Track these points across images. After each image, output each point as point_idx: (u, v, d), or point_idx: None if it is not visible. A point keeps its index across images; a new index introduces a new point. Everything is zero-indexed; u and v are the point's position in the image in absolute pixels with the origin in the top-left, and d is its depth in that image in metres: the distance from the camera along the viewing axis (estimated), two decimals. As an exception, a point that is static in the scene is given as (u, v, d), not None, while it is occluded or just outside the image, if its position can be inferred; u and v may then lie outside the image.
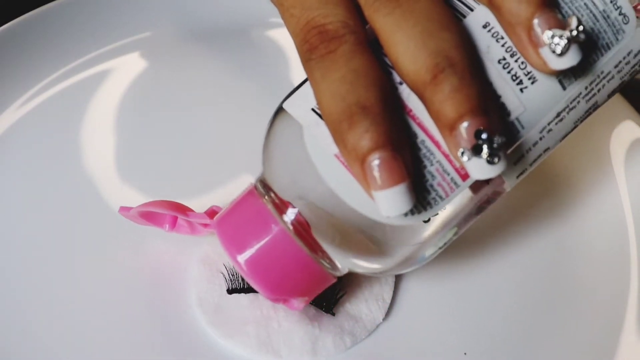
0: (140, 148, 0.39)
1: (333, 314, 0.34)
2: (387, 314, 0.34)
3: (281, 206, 0.29)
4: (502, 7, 0.26)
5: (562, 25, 0.25)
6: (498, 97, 0.27)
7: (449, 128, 0.25)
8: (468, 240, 0.37)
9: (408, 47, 0.25)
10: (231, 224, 0.30)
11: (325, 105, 0.26)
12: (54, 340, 0.33)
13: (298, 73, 0.43)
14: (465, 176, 0.27)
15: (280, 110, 0.29)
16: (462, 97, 0.25)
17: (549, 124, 0.28)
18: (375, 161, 0.25)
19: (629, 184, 0.39)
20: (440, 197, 0.27)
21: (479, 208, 0.29)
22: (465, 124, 0.25)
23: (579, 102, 0.28)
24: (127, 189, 0.37)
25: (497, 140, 0.25)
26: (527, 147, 0.28)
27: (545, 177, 0.40)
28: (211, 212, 0.32)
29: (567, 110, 0.28)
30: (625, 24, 0.28)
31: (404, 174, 0.25)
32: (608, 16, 0.27)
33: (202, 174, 0.38)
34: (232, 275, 0.34)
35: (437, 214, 0.27)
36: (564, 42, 0.25)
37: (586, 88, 0.28)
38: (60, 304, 0.34)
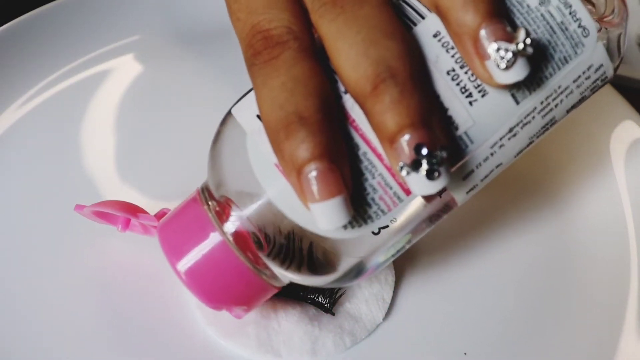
0: (140, 148, 0.39)
1: (333, 314, 0.34)
2: (387, 314, 0.34)
3: (222, 215, 0.28)
4: (450, 16, 0.25)
5: (510, 37, 0.24)
6: (445, 109, 0.26)
7: (389, 141, 0.24)
8: (468, 240, 0.37)
9: (349, 55, 0.25)
10: (172, 230, 0.30)
11: (264, 112, 0.25)
12: (53, 340, 0.33)
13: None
14: (409, 191, 0.26)
15: (228, 114, 0.29)
16: (402, 109, 0.24)
17: (500, 139, 0.27)
18: (311, 172, 0.24)
19: (629, 184, 0.39)
20: (382, 211, 0.26)
21: (431, 219, 0.28)
22: (405, 137, 0.24)
23: (534, 117, 0.27)
24: (126, 188, 0.37)
25: (439, 155, 0.24)
26: (477, 162, 0.27)
27: (545, 177, 0.40)
28: (160, 215, 0.32)
29: (520, 125, 0.27)
30: (585, 37, 0.27)
31: (341, 186, 0.24)
32: (566, 28, 0.26)
33: (202, 173, 0.38)
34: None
35: (379, 228, 0.26)
36: (509, 55, 0.24)
37: (542, 103, 0.27)
38: (60, 304, 0.34)
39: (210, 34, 0.44)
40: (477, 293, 0.36)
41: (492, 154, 0.27)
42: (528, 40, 0.24)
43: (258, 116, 0.27)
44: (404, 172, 0.24)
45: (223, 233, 0.28)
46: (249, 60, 0.26)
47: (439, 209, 0.28)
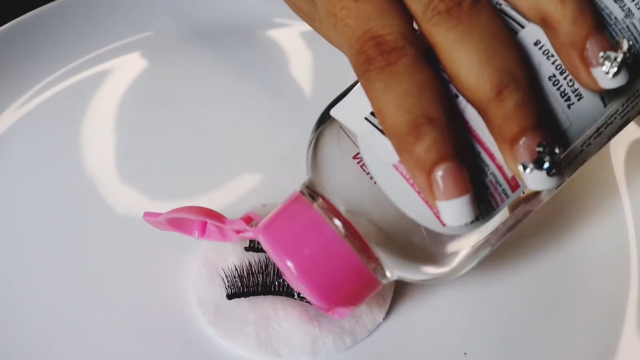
0: (140, 148, 0.39)
1: (333, 314, 0.34)
2: (387, 314, 0.34)
3: (331, 213, 0.30)
4: (558, 28, 0.27)
5: (615, 47, 0.26)
6: (549, 112, 0.28)
7: (510, 142, 0.26)
8: (468, 240, 0.37)
9: (472, 63, 0.26)
10: (279, 229, 0.30)
11: (389, 117, 0.26)
12: (53, 340, 0.33)
13: (299, 73, 0.43)
14: (515, 187, 0.28)
15: (327, 117, 0.30)
16: (525, 113, 0.26)
17: (589, 138, 0.29)
18: (441, 172, 0.25)
19: (629, 184, 0.39)
20: (492, 207, 0.28)
21: (518, 220, 0.31)
22: (526, 138, 0.26)
23: (615, 118, 0.30)
24: (127, 188, 0.37)
25: (557, 152, 0.26)
26: (569, 159, 0.29)
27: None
28: (247, 219, 0.32)
29: (605, 125, 0.29)
30: None
31: (468, 185, 0.26)
32: None
33: (203, 173, 0.38)
34: (232, 279, 0.34)
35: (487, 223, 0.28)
36: (617, 63, 0.26)
37: (623, 105, 0.29)
38: (60, 304, 0.34)
39: (213, 33, 0.44)
40: (477, 293, 0.36)
41: (581, 152, 0.29)
42: (632, 50, 0.27)
43: (366, 119, 0.28)
44: (527, 170, 0.26)
45: (336, 227, 0.29)
46: (362, 66, 0.27)
47: (529, 208, 0.31)
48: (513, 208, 0.29)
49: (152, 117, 0.40)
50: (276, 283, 0.34)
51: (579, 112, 0.28)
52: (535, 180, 0.26)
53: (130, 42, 0.43)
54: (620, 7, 0.28)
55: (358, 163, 0.29)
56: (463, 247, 0.30)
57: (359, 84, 0.28)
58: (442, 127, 0.25)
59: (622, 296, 0.36)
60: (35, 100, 0.40)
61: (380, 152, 0.27)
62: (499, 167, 0.27)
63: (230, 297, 0.34)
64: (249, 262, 0.34)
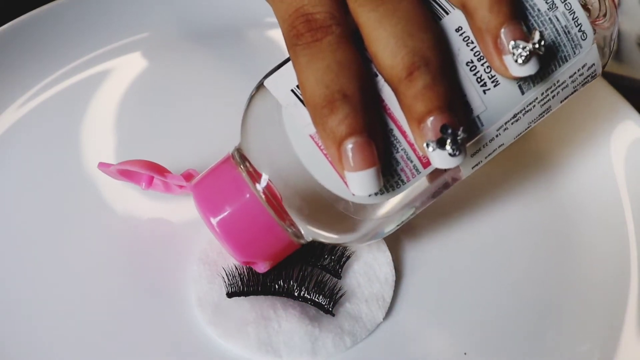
0: (140, 148, 0.39)
1: (333, 315, 0.34)
2: (387, 314, 0.34)
3: (255, 175, 0.31)
4: (475, 14, 0.28)
5: (526, 37, 0.28)
6: (463, 95, 0.29)
7: (417, 121, 0.27)
8: (468, 241, 0.37)
9: (388, 43, 0.27)
10: (207, 188, 0.32)
11: (309, 90, 0.28)
12: (53, 340, 0.33)
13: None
14: (426, 164, 0.30)
15: (260, 86, 0.31)
16: (432, 95, 0.27)
17: (505, 123, 0.31)
18: (350, 145, 0.27)
19: (629, 184, 0.39)
20: (402, 181, 0.30)
21: (436, 192, 0.32)
22: (432, 119, 0.27)
23: (534, 105, 0.31)
24: (127, 188, 0.37)
25: (460, 135, 0.28)
26: (484, 142, 0.31)
27: (545, 177, 0.40)
28: (187, 175, 0.34)
29: (523, 112, 0.31)
30: (584, 40, 0.30)
31: (375, 159, 0.27)
32: (569, 32, 0.30)
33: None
34: (232, 278, 0.34)
35: (398, 195, 0.30)
36: (525, 53, 0.28)
37: (542, 94, 0.31)
38: (60, 303, 0.34)
39: (212, 33, 0.44)
40: (477, 293, 0.36)
41: (497, 136, 0.31)
42: (543, 42, 0.28)
43: (292, 91, 0.30)
44: (430, 149, 0.28)
45: (256, 191, 0.31)
46: (291, 40, 0.28)
47: (447, 181, 0.32)
48: (433, 179, 0.31)
49: (152, 116, 0.40)
50: (276, 284, 0.34)
51: (494, 97, 0.30)
52: (439, 158, 0.28)
53: (129, 42, 0.43)
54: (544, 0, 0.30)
55: (281, 132, 0.30)
56: (376, 215, 0.31)
57: None
58: (355, 103, 0.27)
59: (622, 296, 0.36)
60: (35, 100, 0.40)
61: (299, 122, 0.29)
62: (411, 145, 0.29)
63: (230, 295, 0.34)
64: (249, 262, 0.35)
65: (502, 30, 0.28)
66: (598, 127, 0.41)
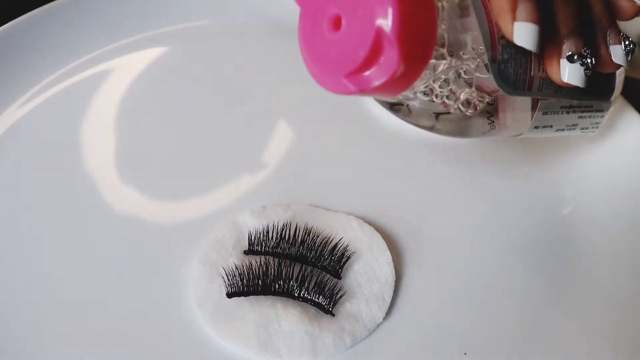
0: (140, 148, 0.39)
1: (333, 315, 0.34)
2: (387, 314, 0.34)
3: None
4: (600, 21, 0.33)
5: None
6: None
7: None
8: (469, 240, 0.37)
9: None
10: None
11: None
12: (53, 340, 0.33)
13: (298, 74, 0.43)
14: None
15: None
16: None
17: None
18: (522, 4, 0.31)
19: (629, 184, 0.39)
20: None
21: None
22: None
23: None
24: (126, 188, 0.37)
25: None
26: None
27: (546, 176, 0.40)
28: None
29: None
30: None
31: (538, 19, 0.31)
32: None
33: (203, 173, 0.38)
34: (232, 278, 0.34)
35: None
36: (629, 47, 0.32)
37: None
38: (60, 303, 0.34)
39: (213, 34, 0.44)
40: (477, 293, 0.36)
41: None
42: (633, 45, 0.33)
43: None
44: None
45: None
46: None
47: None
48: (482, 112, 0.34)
49: (152, 117, 0.40)
50: (276, 284, 0.34)
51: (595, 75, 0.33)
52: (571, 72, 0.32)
53: (129, 42, 0.43)
54: None
55: None
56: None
57: None
58: None
59: (622, 296, 0.36)
60: (35, 100, 0.40)
61: None
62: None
63: (230, 295, 0.34)
64: (249, 263, 0.34)
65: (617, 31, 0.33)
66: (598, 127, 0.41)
